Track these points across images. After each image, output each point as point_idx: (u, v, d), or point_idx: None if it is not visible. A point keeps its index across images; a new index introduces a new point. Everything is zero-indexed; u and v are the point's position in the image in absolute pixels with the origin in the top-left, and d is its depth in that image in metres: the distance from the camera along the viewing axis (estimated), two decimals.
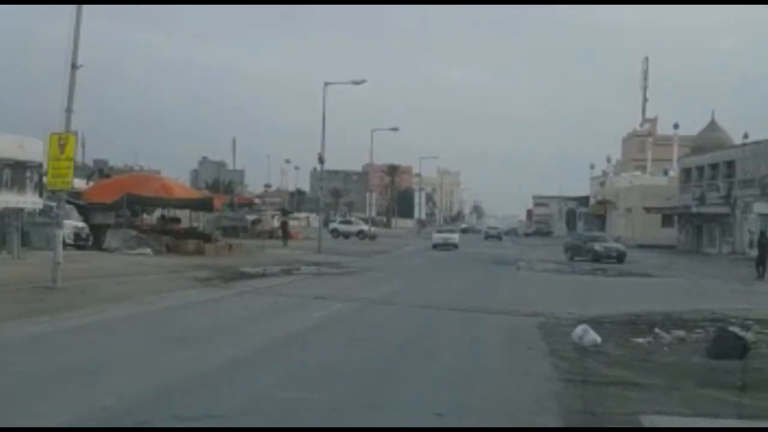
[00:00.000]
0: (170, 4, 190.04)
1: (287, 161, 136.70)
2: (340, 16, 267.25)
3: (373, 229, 75.71)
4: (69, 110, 18.43)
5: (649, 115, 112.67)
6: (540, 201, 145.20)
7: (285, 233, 50.81)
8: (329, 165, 54.74)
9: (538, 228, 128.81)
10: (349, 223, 78.31)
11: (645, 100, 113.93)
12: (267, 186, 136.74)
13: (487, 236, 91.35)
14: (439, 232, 64.34)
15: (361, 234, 71.16)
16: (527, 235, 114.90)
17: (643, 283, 29.30)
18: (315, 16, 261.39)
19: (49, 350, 10.56)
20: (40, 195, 26.95)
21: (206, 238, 38.06)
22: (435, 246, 55.96)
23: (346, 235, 69.74)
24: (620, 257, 43.05)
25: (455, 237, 60.05)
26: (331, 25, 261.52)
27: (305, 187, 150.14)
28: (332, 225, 78.71)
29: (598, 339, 12.34)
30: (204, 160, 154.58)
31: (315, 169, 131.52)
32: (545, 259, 44.41)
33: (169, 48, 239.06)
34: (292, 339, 12.48)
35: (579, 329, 12.70)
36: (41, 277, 18.33)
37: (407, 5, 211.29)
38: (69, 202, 29.27)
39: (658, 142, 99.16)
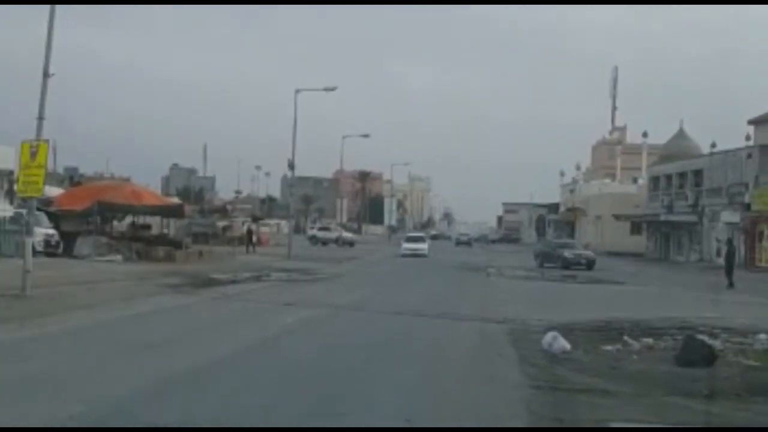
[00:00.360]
0: (145, 3, 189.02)
1: (258, 167, 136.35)
2: (309, 20, 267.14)
3: (350, 235, 75.88)
4: (41, 118, 18.28)
5: (618, 123, 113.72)
6: (510, 208, 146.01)
7: (249, 239, 50.55)
8: (300, 171, 54.96)
9: (505, 234, 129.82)
10: (327, 229, 78.37)
11: (614, 108, 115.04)
12: (238, 192, 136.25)
13: (458, 243, 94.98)
14: (408, 240, 59.05)
15: (339, 240, 71.13)
16: (494, 241, 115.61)
17: (613, 290, 29.51)
18: (285, 21, 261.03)
19: (16, 358, 10.44)
20: (11, 202, 26.73)
21: (177, 244, 37.91)
22: (403, 256, 52.20)
23: (324, 242, 69.62)
24: (590, 264, 43.35)
25: (424, 247, 55.69)
26: (301, 30, 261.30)
27: (276, 193, 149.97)
28: (310, 232, 78.90)
29: (568, 346, 12.39)
30: (174, 167, 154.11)
31: (285, 175, 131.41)
32: (515, 265, 44.60)
33: (139, 55, 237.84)
34: (261, 344, 12.44)
35: (548, 336, 12.76)
36: (10, 285, 18.11)
37: (373, 5, 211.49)
38: (40, 209, 29.04)
39: (627, 150, 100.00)
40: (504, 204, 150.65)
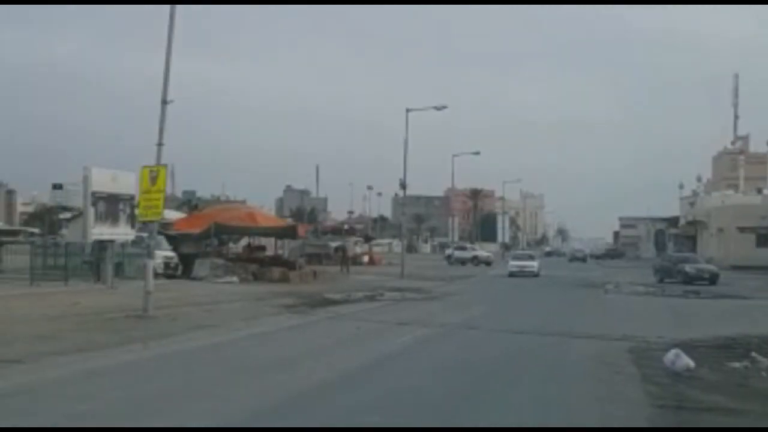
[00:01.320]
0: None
1: (369, 188, 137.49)
2: (411, 39, 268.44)
3: (486, 254, 75.74)
4: (160, 144, 19.04)
5: (740, 132, 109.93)
6: (627, 222, 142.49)
7: (345, 259, 50.75)
8: (411, 190, 54.97)
9: (608, 251, 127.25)
10: (463, 249, 78.76)
11: (736, 117, 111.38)
12: (350, 212, 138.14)
13: (572, 258, 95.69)
14: (516, 258, 55.78)
15: (475, 260, 70.98)
16: (598, 257, 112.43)
17: (738, 305, 28.43)
18: (392, 42, 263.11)
19: (142, 377, 10.87)
20: (132, 226, 27.83)
21: (291, 265, 38.60)
22: (511, 274, 49.44)
23: (463, 262, 69.74)
24: (713, 279, 41.92)
25: (534, 265, 51.90)
26: (408, 50, 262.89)
27: (387, 212, 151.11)
28: (447, 251, 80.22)
29: (692, 363, 12.05)
30: (288, 189, 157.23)
31: (397, 195, 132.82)
32: (634, 281, 43.55)
33: (251, 80, 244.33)
34: (376, 364, 12.56)
35: (671, 353, 12.43)
36: (134, 306, 18.88)
37: (477, 22, 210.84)
38: (159, 233, 30.16)
39: (750, 160, 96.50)
40: (620, 218, 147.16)
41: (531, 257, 56.68)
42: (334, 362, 12.56)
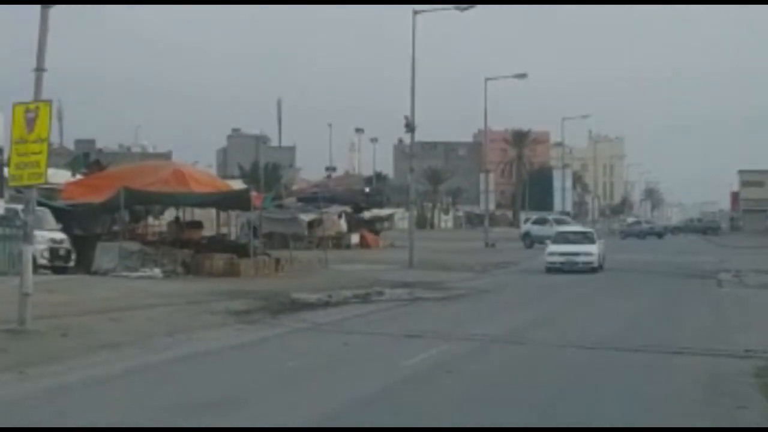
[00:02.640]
0: None
1: (359, 131, 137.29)
2: None
3: (589, 229, 62.37)
4: (40, 69, 18.82)
5: None
6: (751, 178, 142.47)
7: (324, 240, 50.72)
8: (423, 135, 54.82)
9: (688, 222, 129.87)
10: (543, 222, 75.85)
11: None
12: (330, 170, 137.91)
13: (627, 235, 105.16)
14: (559, 241, 47.51)
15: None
16: (659, 234, 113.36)
17: None
18: None
19: (15, 427, 10.80)
20: (0, 194, 27.75)
21: (242, 250, 38.51)
22: (549, 270, 43.77)
23: (541, 241, 64.33)
24: None
25: (591, 251, 45.18)
26: None
27: (388, 169, 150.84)
28: (524, 227, 79.27)
29: None
30: (235, 135, 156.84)
31: (401, 141, 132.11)
32: (763, 268, 43.54)
33: None
34: (369, 403, 12.52)
35: None
36: (2, 317, 18.80)
37: None
38: (42, 204, 30.03)
39: None
40: (741, 173, 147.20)
41: (586, 237, 48.77)
42: (303, 402, 12.49)
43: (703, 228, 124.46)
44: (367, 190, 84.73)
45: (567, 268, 42.89)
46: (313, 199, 73.68)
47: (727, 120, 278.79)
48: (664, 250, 68.04)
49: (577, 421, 11.35)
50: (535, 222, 78.00)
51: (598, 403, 12.58)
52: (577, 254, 44.30)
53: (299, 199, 76.45)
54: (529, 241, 72.64)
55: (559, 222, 73.56)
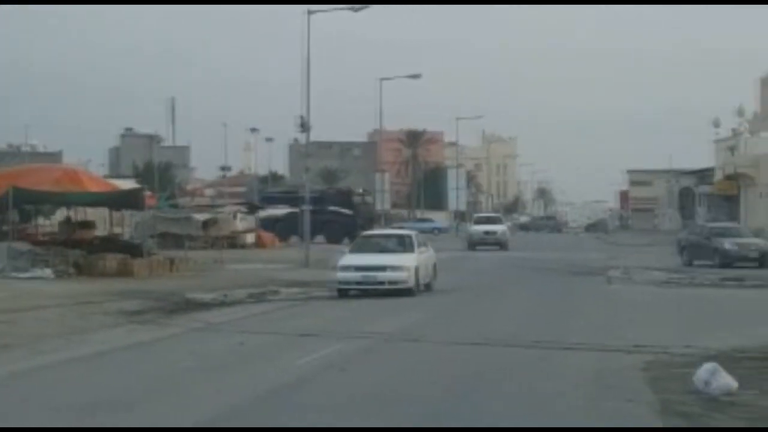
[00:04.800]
0: None
1: (253, 130, 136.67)
2: None
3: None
4: None
5: None
6: (639, 178, 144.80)
7: (219, 240, 50.35)
8: (318, 134, 54.82)
9: (545, 219, 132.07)
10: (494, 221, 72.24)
11: None
12: (225, 169, 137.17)
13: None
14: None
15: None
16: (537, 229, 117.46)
17: None
18: None
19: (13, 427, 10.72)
20: None
21: (135, 250, 38.17)
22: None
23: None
24: (763, 259, 42.80)
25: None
26: None
27: (282, 169, 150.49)
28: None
29: (734, 384, 12.24)
30: (128, 134, 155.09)
31: (296, 141, 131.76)
32: (650, 265, 44.25)
33: None
34: (263, 402, 12.51)
35: (704, 371, 12.61)
36: None
37: None
38: None
39: None
40: (630, 172, 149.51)
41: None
42: (195, 402, 12.44)
43: (553, 226, 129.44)
44: (361, 190, 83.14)
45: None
46: (209, 197, 73.15)
47: (617, 120, 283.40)
48: (559, 245, 68.76)
49: (470, 417, 11.42)
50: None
51: (490, 399, 12.65)
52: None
53: (271, 199, 75.18)
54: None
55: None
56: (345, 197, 72.76)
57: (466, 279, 36.56)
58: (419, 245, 31.43)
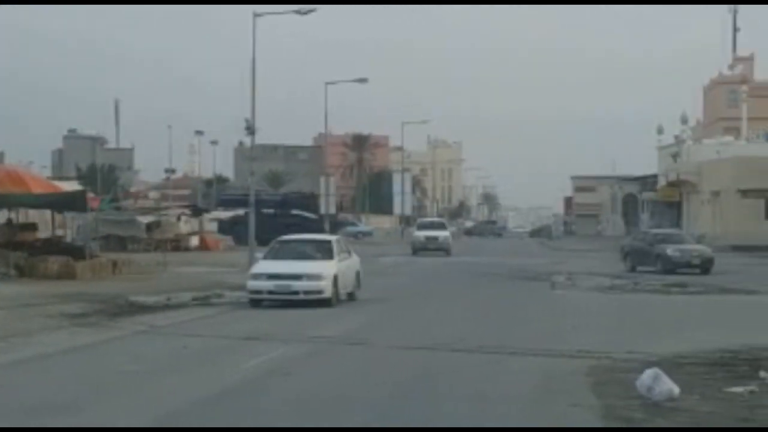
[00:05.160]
0: None
1: (199, 133, 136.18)
2: None
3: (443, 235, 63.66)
4: None
5: (741, 52, 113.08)
6: (583, 184, 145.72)
7: (163, 243, 50.05)
8: (264, 138, 54.69)
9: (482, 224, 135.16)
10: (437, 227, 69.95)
11: (735, 29, 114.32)
12: (169, 172, 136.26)
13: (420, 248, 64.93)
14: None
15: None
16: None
17: (742, 302, 29.44)
18: None
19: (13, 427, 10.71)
20: None
21: (78, 253, 37.86)
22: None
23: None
24: (705, 265, 43.25)
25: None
26: None
27: (228, 172, 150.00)
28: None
29: (676, 389, 12.35)
30: (71, 136, 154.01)
31: (241, 144, 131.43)
32: (594, 271, 44.54)
33: None
34: (206, 405, 12.48)
35: (647, 376, 12.71)
36: None
37: None
38: None
39: (757, 92, 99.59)
40: (574, 178, 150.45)
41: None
42: (139, 405, 12.38)
43: (493, 231, 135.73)
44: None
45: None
46: (153, 200, 72.66)
47: (564, 126, 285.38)
48: (505, 251, 68.93)
49: (416, 421, 11.45)
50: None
51: (436, 403, 12.70)
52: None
53: (229, 201, 74.53)
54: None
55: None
56: (310, 201, 71.86)
57: (402, 286, 36.40)
58: (340, 251, 29.04)
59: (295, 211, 67.40)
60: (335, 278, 27.25)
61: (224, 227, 67.75)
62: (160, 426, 11.07)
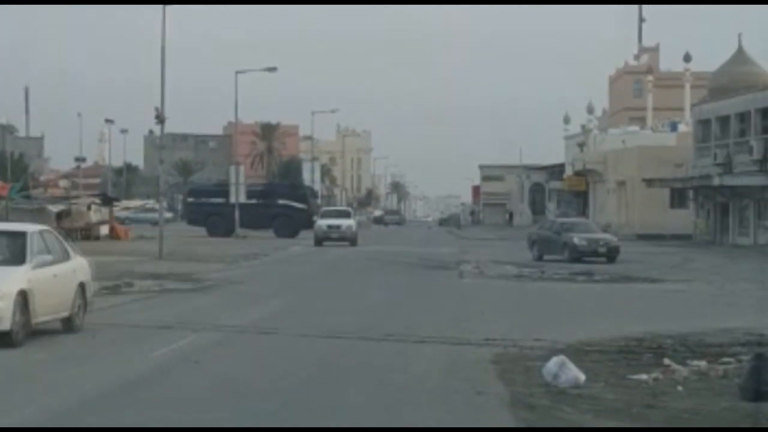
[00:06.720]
0: None
1: (109, 122, 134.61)
2: None
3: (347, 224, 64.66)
4: None
5: (647, 42, 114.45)
6: (491, 173, 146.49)
7: (72, 231, 49.48)
8: (174, 127, 54.19)
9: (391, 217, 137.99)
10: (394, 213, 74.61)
11: (641, 19, 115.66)
12: (79, 160, 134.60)
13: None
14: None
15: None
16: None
17: (647, 290, 29.85)
18: None
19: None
20: None
21: None
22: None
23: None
24: (611, 254, 43.75)
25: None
26: None
27: (138, 160, 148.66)
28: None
29: (581, 377, 12.48)
30: None
31: (151, 132, 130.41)
32: (502, 259, 44.79)
33: None
34: (113, 395, 12.34)
35: (553, 363, 12.81)
36: None
37: None
38: None
39: (661, 82, 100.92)
40: (482, 167, 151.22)
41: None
42: (42, 396, 12.16)
43: (397, 220, 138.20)
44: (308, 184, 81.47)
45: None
46: (62, 188, 71.68)
47: (472, 115, 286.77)
48: (415, 240, 69.00)
49: (322, 408, 11.42)
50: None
51: (344, 392, 12.68)
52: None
53: (201, 192, 73.03)
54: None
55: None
56: (298, 191, 70.80)
57: (306, 275, 36.40)
58: (40, 252, 17.38)
59: (282, 201, 66.03)
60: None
61: (197, 219, 66.71)
62: (67, 416, 10.88)
